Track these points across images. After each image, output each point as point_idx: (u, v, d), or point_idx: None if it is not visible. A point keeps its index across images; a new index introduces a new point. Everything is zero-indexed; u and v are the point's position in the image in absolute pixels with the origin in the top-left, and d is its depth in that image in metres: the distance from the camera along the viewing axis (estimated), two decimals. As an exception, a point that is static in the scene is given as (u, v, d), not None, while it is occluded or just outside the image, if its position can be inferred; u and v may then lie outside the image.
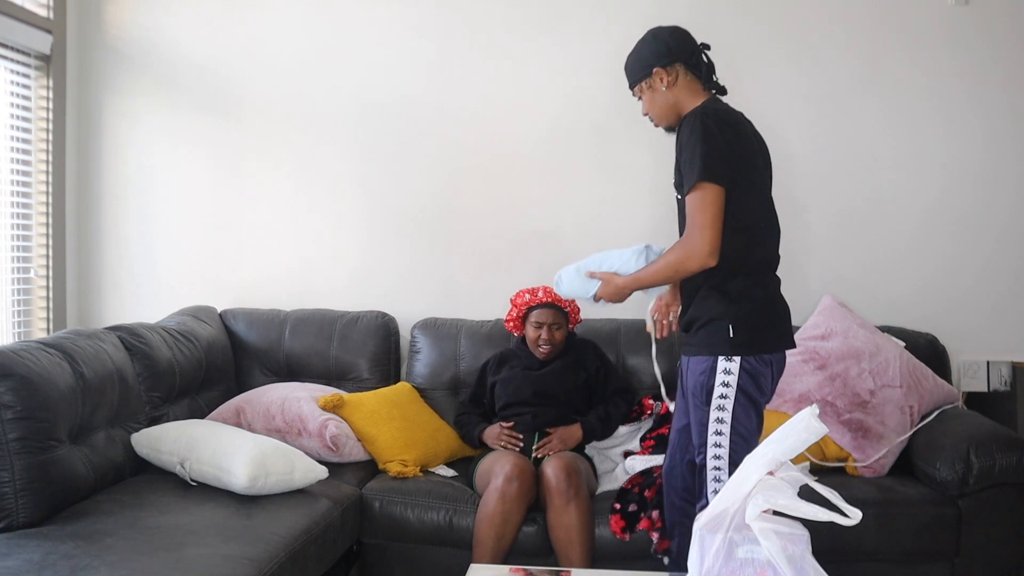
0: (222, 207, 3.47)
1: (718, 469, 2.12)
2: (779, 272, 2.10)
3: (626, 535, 2.46)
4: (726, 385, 2.10)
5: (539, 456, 2.68)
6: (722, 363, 2.10)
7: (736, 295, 2.11)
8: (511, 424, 2.77)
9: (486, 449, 2.82)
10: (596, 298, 2.30)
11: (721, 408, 2.11)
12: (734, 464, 2.09)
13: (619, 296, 2.26)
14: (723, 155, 2.04)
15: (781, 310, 2.20)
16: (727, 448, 2.11)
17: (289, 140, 3.44)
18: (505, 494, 2.43)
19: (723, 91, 2.24)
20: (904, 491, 2.56)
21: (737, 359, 2.09)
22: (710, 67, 2.21)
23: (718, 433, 2.11)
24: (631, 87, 2.27)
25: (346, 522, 2.47)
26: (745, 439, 2.11)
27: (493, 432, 2.79)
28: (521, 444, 2.72)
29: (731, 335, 2.09)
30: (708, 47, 2.23)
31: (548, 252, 3.29)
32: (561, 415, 2.79)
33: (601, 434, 2.82)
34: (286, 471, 2.36)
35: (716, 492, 2.12)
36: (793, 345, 2.23)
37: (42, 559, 1.84)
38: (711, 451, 2.12)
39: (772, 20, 3.29)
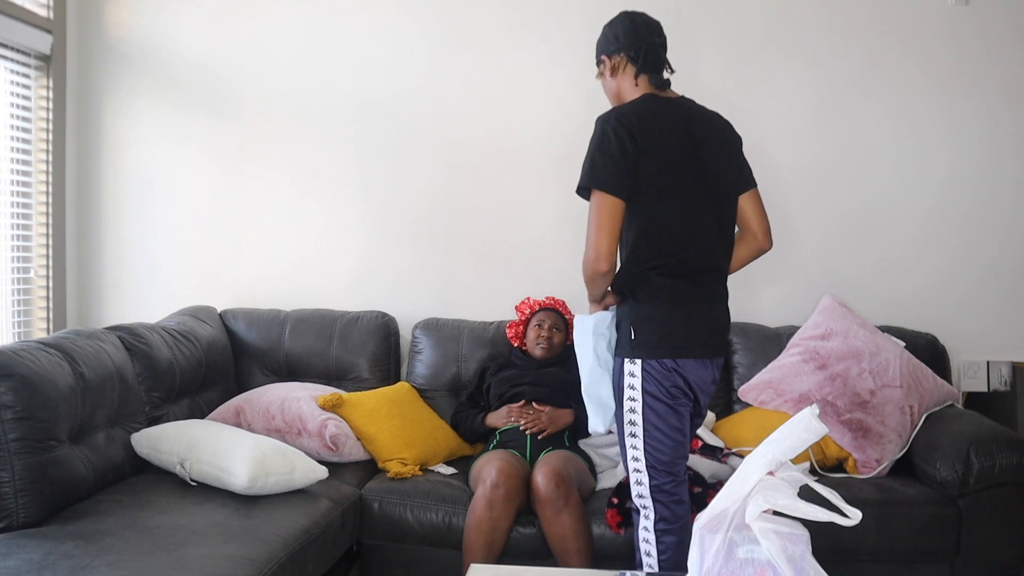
0: (222, 207, 3.47)
1: (638, 471, 2.09)
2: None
3: (621, 530, 2.45)
4: (632, 387, 2.07)
5: (524, 431, 2.71)
6: (627, 365, 2.08)
7: (643, 297, 2.07)
8: (520, 404, 2.80)
9: (485, 444, 2.85)
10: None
11: (632, 410, 2.07)
12: (652, 467, 2.06)
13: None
14: (617, 165, 2.01)
15: (695, 319, 2.08)
16: (642, 450, 2.07)
17: (289, 140, 3.44)
18: (492, 501, 2.42)
19: (663, 86, 2.17)
20: (904, 491, 2.56)
21: (638, 361, 2.05)
22: (655, 63, 2.14)
23: (632, 435, 2.08)
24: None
25: (346, 522, 2.47)
26: (663, 441, 2.05)
27: (499, 412, 2.82)
28: (530, 414, 2.76)
29: (632, 336, 2.06)
30: (662, 41, 2.16)
31: (549, 252, 3.30)
32: (555, 394, 2.82)
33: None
34: (286, 471, 2.36)
35: (640, 495, 2.09)
36: (706, 356, 2.09)
37: (42, 559, 1.83)
38: (629, 452, 2.10)
39: (772, 21, 3.28)
